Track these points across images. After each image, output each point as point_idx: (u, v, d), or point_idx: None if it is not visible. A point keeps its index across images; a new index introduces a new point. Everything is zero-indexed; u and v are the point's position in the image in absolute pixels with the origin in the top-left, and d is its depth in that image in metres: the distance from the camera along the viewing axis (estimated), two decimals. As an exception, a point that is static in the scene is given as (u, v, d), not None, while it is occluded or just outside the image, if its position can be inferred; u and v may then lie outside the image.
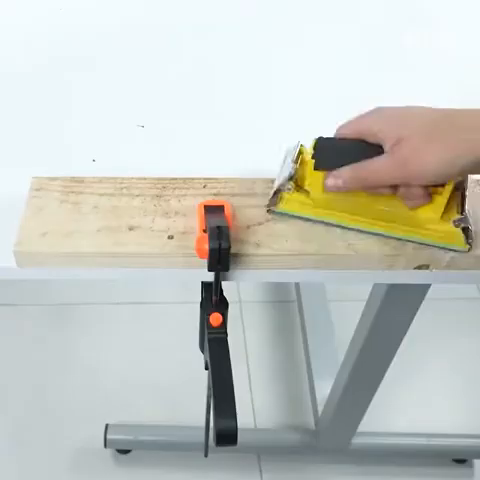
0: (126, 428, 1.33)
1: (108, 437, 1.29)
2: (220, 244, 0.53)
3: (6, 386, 1.41)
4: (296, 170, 0.59)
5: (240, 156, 0.69)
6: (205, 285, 0.59)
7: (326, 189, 0.56)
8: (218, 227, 0.53)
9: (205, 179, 0.63)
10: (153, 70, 0.80)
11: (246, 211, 0.60)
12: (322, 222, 0.59)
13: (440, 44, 0.85)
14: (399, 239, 0.58)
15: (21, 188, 0.61)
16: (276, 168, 0.61)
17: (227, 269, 0.55)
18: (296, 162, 0.59)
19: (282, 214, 0.59)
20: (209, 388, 0.57)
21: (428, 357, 1.49)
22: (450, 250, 0.57)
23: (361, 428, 1.22)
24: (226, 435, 0.53)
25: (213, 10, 0.89)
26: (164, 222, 0.59)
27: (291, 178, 0.58)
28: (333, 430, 1.24)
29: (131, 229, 0.58)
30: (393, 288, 0.84)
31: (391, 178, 0.54)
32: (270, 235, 0.58)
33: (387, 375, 1.05)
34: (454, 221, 0.56)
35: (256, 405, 1.41)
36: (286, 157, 0.61)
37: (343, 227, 0.59)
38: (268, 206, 0.59)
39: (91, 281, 1.05)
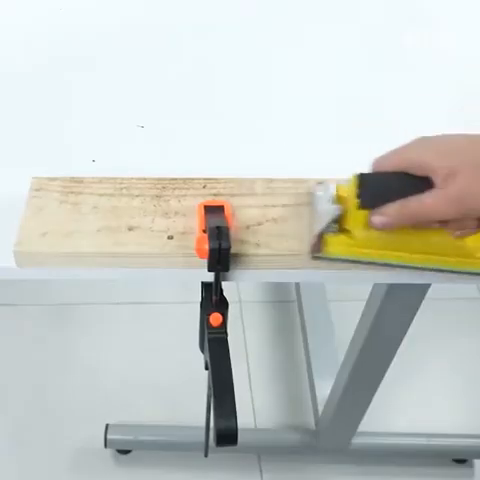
0: (126, 428, 1.33)
1: (108, 437, 1.29)
2: (220, 244, 0.53)
3: (6, 386, 1.41)
4: (340, 211, 0.55)
5: (240, 156, 0.69)
6: (205, 285, 0.59)
7: (373, 227, 0.53)
8: (218, 227, 0.54)
9: (205, 179, 0.63)
10: (153, 70, 0.80)
11: (246, 211, 0.60)
12: (369, 263, 0.56)
13: (440, 44, 0.85)
14: (452, 272, 0.56)
15: (21, 188, 0.61)
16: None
17: (227, 269, 0.55)
18: (338, 202, 0.56)
19: (327, 259, 0.57)
20: (209, 388, 0.57)
21: (428, 357, 1.49)
22: None
23: (361, 428, 1.22)
24: (226, 435, 0.53)
25: (213, 10, 0.89)
26: (164, 222, 0.59)
27: (336, 220, 0.55)
28: (333, 430, 1.24)
29: (131, 229, 0.58)
30: (393, 288, 0.84)
31: (445, 213, 0.51)
32: (270, 235, 0.58)
33: (387, 375, 1.05)
34: None
35: (256, 405, 1.41)
36: (317, 196, 0.58)
37: (390, 265, 0.56)
38: (313, 252, 0.56)
39: (91, 281, 1.05)
